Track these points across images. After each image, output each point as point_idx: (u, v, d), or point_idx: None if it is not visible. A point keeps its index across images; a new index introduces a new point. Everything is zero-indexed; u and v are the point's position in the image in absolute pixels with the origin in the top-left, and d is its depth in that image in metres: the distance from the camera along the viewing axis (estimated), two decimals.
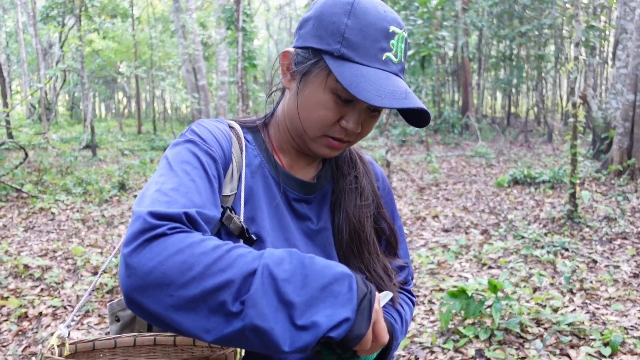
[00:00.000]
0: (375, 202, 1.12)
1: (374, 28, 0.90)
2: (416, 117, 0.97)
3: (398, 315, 1.08)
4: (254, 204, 0.98)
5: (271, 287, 0.71)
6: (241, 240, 0.94)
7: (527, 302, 3.84)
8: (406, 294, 1.18)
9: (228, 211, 0.93)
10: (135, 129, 24.58)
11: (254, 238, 0.94)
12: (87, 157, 13.58)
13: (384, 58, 0.91)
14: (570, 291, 4.10)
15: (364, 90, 0.86)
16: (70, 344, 0.91)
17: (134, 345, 0.96)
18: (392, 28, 0.91)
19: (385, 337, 0.80)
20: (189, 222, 0.77)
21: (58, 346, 0.90)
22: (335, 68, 0.89)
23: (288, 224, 1.01)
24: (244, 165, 0.99)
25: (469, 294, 3.40)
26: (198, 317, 0.70)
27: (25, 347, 3.39)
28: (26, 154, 9.31)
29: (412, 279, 1.21)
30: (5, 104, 12.51)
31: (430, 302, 4.07)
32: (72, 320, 0.95)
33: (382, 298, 0.88)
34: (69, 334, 0.91)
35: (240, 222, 0.93)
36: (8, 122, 11.77)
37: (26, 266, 4.83)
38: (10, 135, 11.90)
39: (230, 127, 1.03)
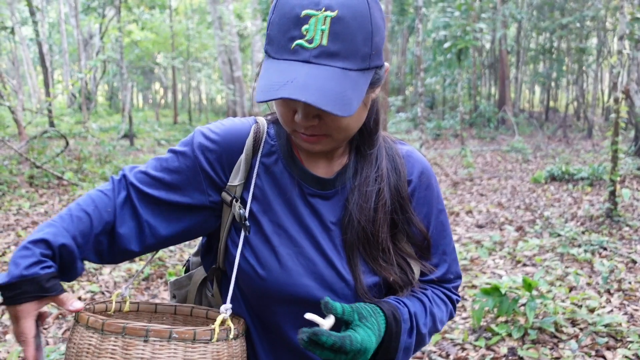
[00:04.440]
0: (399, 205, 1.06)
1: (286, 17, 0.86)
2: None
3: (419, 304, 1.06)
4: (265, 196, 1.03)
5: None
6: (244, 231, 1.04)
7: (563, 301, 3.77)
8: (443, 289, 1.14)
9: (233, 200, 1.03)
10: (171, 119, 24.98)
11: (247, 225, 1.01)
12: (125, 146, 13.88)
13: (292, 47, 0.85)
14: (608, 291, 4.01)
15: (258, 86, 0.86)
16: (131, 303, 1.10)
17: (174, 313, 1.15)
18: (306, 12, 0.84)
19: None
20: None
21: (117, 302, 1.07)
22: (262, 68, 0.90)
23: (303, 217, 1.03)
24: (258, 158, 1.04)
25: (503, 292, 3.36)
26: None
27: (65, 330, 3.51)
28: (67, 143, 9.58)
29: (457, 276, 1.16)
30: (48, 94, 12.88)
31: (462, 298, 4.04)
32: (130, 285, 1.09)
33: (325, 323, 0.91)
34: (129, 294, 1.07)
35: (239, 209, 1.01)
36: (50, 111, 12.11)
37: None
38: (52, 124, 12.24)
39: (256, 122, 1.08)
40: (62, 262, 0.97)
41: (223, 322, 0.96)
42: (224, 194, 1.05)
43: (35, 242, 0.94)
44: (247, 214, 1.02)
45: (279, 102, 0.92)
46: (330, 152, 1.05)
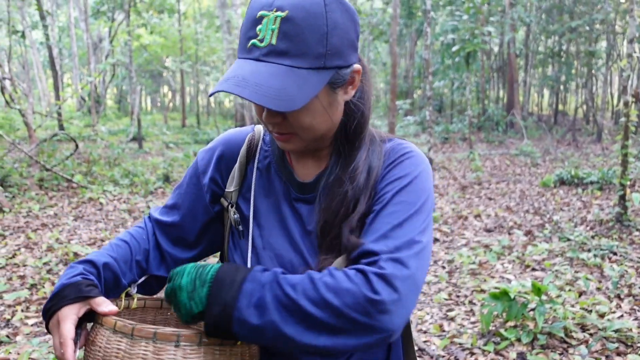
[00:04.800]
0: (368, 205, 0.99)
1: (247, 19, 0.91)
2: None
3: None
4: (256, 200, 1.08)
5: None
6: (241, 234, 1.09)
7: (572, 306, 3.75)
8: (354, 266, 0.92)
9: (229, 206, 1.09)
10: (179, 122, 25.09)
11: (240, 229, 1.07)
12: (133, 149, 13.95)
13: (248, 46, 0.90)
14: (618, 297, 3.98)
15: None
16: (138, 300, 1.12)
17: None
18: (260, 13, 0.88)
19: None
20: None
21: (125, 298, 1.08)
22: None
23: (288, 222, 1.05)
24: (255, 165, 1.10)
25: (512, 296, 3.35)
26: None
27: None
28: (76, 145, 9.64)
29: (380, 253, 0.90)
30: (58, 97, 12.97)
31: (470, 302, 4.02)
32: (139, 283, 1.13)
33: None
34: (136, 291, 1.10)
35: (233, 214, 1.08)
36: (60, 114, 12.20)
37: (76, 254, 5.01)
38: (61, 127, 12.33)
39: (253, 130, 1.15)
40: (106, 280, 1.04)
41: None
42: (222, 200, 1.12)
43: (80, 262, 1.03)
44: (238, 218, 1.08)
45: (255, 102, 0.93)
46: (317, 155, 1.05)
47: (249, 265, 1.05)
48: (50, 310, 0.96)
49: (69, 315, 0.94)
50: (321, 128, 0.97)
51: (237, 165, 1.10)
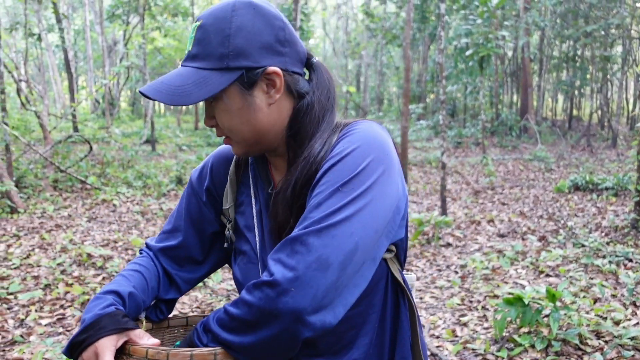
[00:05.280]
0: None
1: None
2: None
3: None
4: (247, 214, 1.12)
5: None
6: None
7: (587, 313, 3.70)
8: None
9: (228, 222, 1.14)
10: (192, 125, 25.21)
11: (232, 247, 1.15)
12: (146, 151, 14.04)
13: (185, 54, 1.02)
14: (634, 304, 3.92)
15: None
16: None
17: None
18: (194, 25, 0.99)
19: None
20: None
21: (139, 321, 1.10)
22: None
23: (266, 226, 1.08)
24: (248, 177, 1.14)
25: (526, 302, 3.31)
26: None
27: None
28: (91, 147, 9.72)
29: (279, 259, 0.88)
30: (73, 99, 13.10)
31: (484, 308, 3.99)
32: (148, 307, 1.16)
33: None
34: (145, 315, 1.12)
35: (228, 231, 1.14)
36: (74, 116, 12.31)
37: (89, 255, 5.05)
38: (76, 129, 12.44)
39: None
40: (129, 310, 1.04)
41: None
42: (221, 217, 1.17)
43: (106, 293, 1.03)
44: (233, 235, 1.14)
45: (152, 99, 0.99)
46: (286, 162, 1.06)
47: (243, 273, 1.10)
48: (85, 342, 0.93)
49: (108, 346, 0.93)
50: (244, 129, 1.01)
51: (228, 183, 1.15)
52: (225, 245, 1.15)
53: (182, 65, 1.00)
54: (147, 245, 1.20)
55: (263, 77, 0.98)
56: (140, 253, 1.20)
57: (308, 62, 1.07)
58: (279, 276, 0.84)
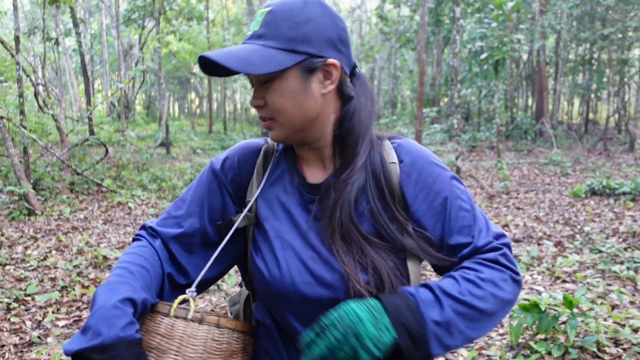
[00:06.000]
0: (384, 202, 1.08)
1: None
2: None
3: (445, 278, 1.02)
4: (271, 204, 1.13)
5: None
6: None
7: (605, 320, 3.65)
8: (476, 258, 1.05)
9: (248, 213, 1.14)
10: (206, 128, 25.36)
11: (252, 237, 1.15)
12: (161, 154, 14.14)
13: (245, 36, 1.09)
14: None
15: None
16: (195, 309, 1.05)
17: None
18: (257, 13, 1.07)
19: None
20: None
21: (180, 304, 1.03)
22: None
23: (299, 221, 1.10)
24: (268, 171, 1.16)
25: (542, 308, 3.28)
26: None
27: None
28: (106, 150, 9.81)
29: (491, 241, 1.06)
30: (89, 102, 13.23)
31: None
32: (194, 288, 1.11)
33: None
34: (195, 296, 1.07)
35: (246, 213, 1.13)
36: (90, 120, 12.44)
37: (105, 257, 5.09)
38: (92, 132, 12.57)
39: (267, 141, 1.22)
40: (139, 314, 1.01)
41: (185, 302, 1.04)
42: (242, 208, 1.17)
43: (124, 301, 0.93)
44: (253, 220, 1.14)
45: (217, 61, 1.02)
46: (322, 159, 1.13)
47: (268, 265, 1.09)
48: None
49: None
50: (294, 112, 1.04)
51: (254, 175, 1.17)
52: (242, 225, 1.14)
53: (246, 43, 1.05)
54: (153, 230, 1.14)
55: (322, 67, 1.04)
56: (139, 239, 1.14)
57: (353, 71, 1.13)
58: (519, 272, 1.06)
